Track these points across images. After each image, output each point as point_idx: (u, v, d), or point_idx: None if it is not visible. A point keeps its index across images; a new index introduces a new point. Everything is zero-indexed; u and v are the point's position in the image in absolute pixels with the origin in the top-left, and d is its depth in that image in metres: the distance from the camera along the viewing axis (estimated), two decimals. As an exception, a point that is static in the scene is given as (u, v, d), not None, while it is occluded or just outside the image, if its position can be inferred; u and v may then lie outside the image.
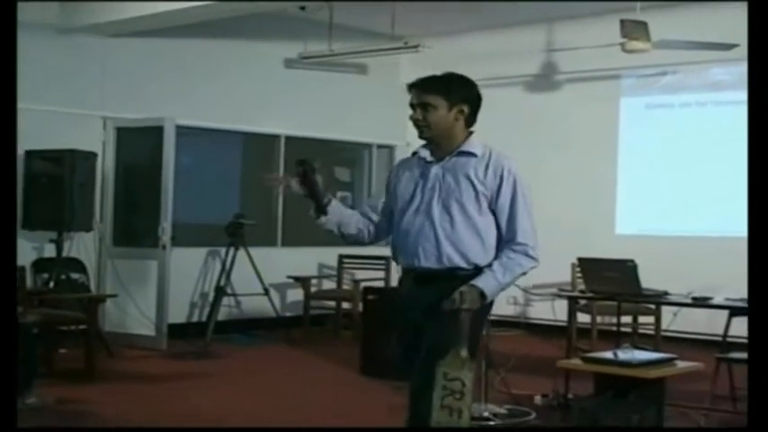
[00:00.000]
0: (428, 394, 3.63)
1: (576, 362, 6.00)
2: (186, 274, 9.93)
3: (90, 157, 8.93)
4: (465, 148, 3.88)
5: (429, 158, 3.91)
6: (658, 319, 8.63)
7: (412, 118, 3.90)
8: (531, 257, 3.84)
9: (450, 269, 3.79)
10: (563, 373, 6.35)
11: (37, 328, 7.33)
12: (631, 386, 5.38)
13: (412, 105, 3.91)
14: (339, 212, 4.00)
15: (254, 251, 9.83)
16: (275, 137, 10.95)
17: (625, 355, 5.67)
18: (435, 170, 3.87)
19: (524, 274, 3.88)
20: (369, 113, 11.52)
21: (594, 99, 10.76)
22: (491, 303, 3.85)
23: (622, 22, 8.55)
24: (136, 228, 9.63)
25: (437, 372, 3.62)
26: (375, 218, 4.06)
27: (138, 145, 9.57)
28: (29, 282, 8.51)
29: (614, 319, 7.56)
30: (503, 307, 10.22)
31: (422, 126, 3.88)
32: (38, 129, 8.81)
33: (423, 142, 3.99)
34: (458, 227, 3.79)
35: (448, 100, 3.85)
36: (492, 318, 7.04)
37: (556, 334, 9.02)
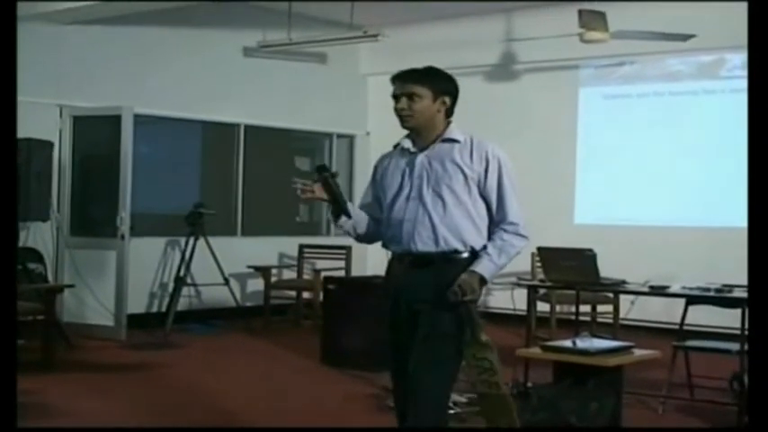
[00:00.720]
0: (429, 372, 3.82)
1: (535, 350, 6.03)
2: (145, 264, 9.88)
3: (46, 146, 8.84)
4: (447, 135, 4.00)
5: (413, 149, 4.02)
6: (616, 308, 8.70)
7: (396, 108, 3.99)
8: (523, 236, 3.98)
9: (446, 252, 3.90)
10: (522, 361, 6.39)
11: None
12: (590, 374, 5.42)
13: (395, 96, 4.00)
14: (355, 214, 4.12)
15: (213, 241, 9.79)
16: (235, 125, 10.90)
17: (584, 343, 5.71)
18: (421, 158, 3.98)
19: (518, 253, 4.00)
20: (329, 103, 11.51)
21: (553, 89, 10.82)
22: None
23: (580, 12, 8.60)
24: (94, 217, 9.54)
25: (466, 355, 3.88)
26: (378, 214, 4.15)
27: (96, 134, 9.48)
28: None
29: (573, 308, 7.61)
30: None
31: (406, 116, 3.98)
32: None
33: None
34: (450, 210, 3.90)
35: (432, 91, 3.98)
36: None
37: (515, 323, 9.06)
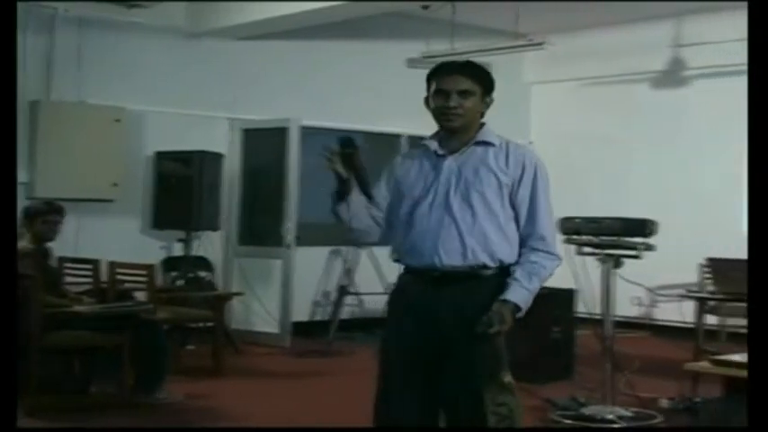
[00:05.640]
0: (477, 419, 3.46)
1: (704, 364, 5.84)
2: (310, 273, 10.04)
3: (217, 157, 9.12)
4: (482, 137, 3.61)
5: (440, 151, 3.62)
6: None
7: (446, 105, 3.55)
8: (554, 256, 3.58)
9: (473, 267, 3.50)
10: (690, 376, 6.21)
11: (166, 325, 7.52)
12: (762, 390, 5.22)
13: (443, 91, 3.57)
14: (355, 206, 3.72)
15: (376, 250, 9.86)
16: (398, 136, 10.98)
17: (756, 358, 5.51)
18: (449, 162, 3.58)
19: (551, 275, 3.60)
20: (492, 112, 11.34)
21: (723, 95, 10.47)
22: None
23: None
24: (261, 227, 9.78)
25: (485, 398, 3.45)
26: (382, 215, 3.76)
27: (264, 145, 9.71)
28: (158, 280, 8.72)
29: (744, 321, 7.34)
30: (627, 308, 10.04)
31: (455, 114, 3.56)
32: (167, 130, 9.08)
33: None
34: (480, 219, 3.49)
35: (482, 88, 3.61)
36: (616, 319, 6.96)
37: (683, 336, 8.81)
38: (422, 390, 3.57)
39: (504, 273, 3.52)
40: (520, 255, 3.55)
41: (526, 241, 3.56)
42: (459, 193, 3.52)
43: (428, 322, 3.53)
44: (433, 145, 3.65)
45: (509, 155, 3.57)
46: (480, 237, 3.49)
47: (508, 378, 3.50)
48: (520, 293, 3.47)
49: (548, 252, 3.56)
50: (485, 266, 3.51)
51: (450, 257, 3.49)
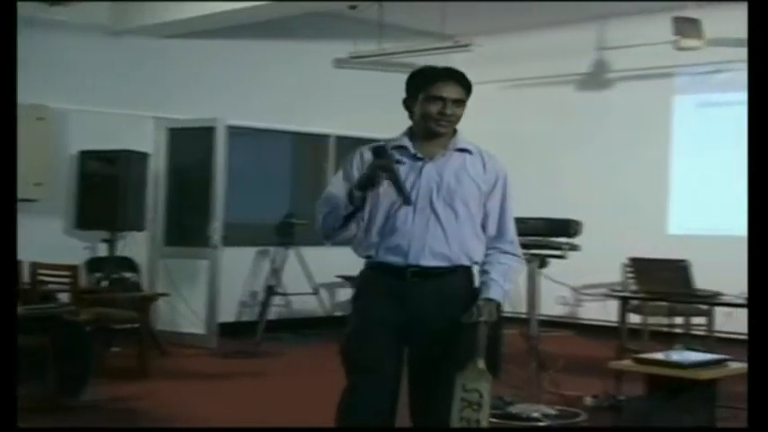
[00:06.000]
0: (446, 401, 3.59)
1: (627, 363, 5.94)
2: (237, 273, 10.00)
3: (143, 157, 9.03)
4: (461, 145, 3.75)
5: (419, 154, 3.72)
6: (711, 320, 8.52)
7: (441, 112, 3.65)
8: (522, 258, 3.87)
9: (453, 266, 3.69)
10: (613, 374, 6.30)
11: (90, 326, 7.42)
12: (683, 387, 5.31)
13: (439, 98, 3.66)
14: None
15: (304, 250, 9.87)
16: (326, 136, 10.99)
17: (677, 356, 5.61)
18: (430, 167, 3.69)
19: (519, 276, 3.90)
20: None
21: (647, 97, 10.66)
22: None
23: (674, 19, 8.47)
24: (187, 227, 9.70)
25: (456, 383, 3.58)
26: (337, 209, 3.76)
27: (190, 145, 9.65)
28: (82, 281, 8.61)
29: (666, 320, 7.48)
30: (552, 307, 10.16)
31: (448, 122, 3.69)
32: (91, 129, 8.95)
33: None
34: (462, 224, 3.69)
35: (467, 96, 3.74)
36: (542, 318, 7.04)
37: (606, 334, 8.94)
38: (394, 373, 3.76)
39: (469, 268, 3.76)
40: (487, 254, 3.77)
41: (496, 244, 3.78)
42: (443, 197, 3.67)
43: (407, 311, 3.68)
44: (407, 143, 3.76)
45: (485, 164, 3.75)
46: (461, 240, 3.70)
47: (482, 364, 3.62)
48: (499, 292, 3.71)
49: (516, 255, 3.81)
50: (461, 265, 3.72)
51: (435, 259, 3.67)
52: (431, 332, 3.66)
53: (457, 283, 3.72)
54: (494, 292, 3.68)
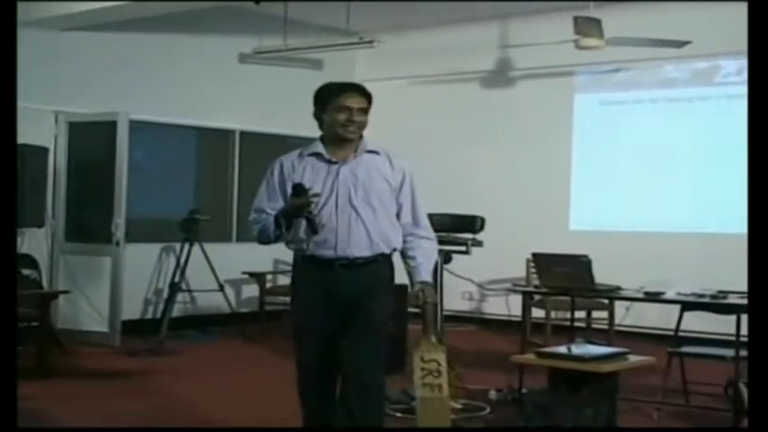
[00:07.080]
0: (371, 364, 4.26)
1: (529, 356, 6.03)
2: (140, 270, 9.87)
3: (41, 151, 8.84)
4: (369, 147, 4.35)
5: (334, 159, 4.29)
6: (612, 314, 8.70)
7: (349, 119, 4.24)
8: (434, 240, 4.50)
9: (376, 255, 4.29)
10: (517, 368, 6.39)
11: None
12: (585, 380, 5.42)
13: (346, 108, 4.24)
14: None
15: (208, 247, 9.78)
16: (230, 132, 10.91)
17: (578, 349, 5.71)
18: (345, 169, 4.27)
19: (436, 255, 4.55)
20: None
21: (548, 95, 10.83)
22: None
23: (576, 18, 8.61)
24: (89, 223, 9.54)
25: (414, 357, 4.34)
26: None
27: (91, 140, 9.48)
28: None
29: (568, 314, 7.61)
30: (458, 302, 10.26)
31: (356, 128, 4.27)
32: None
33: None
34: (380, 218, 4.28)
35: (370, 105, 4.33)
36: (447, 313, 7.09)
37: (510, 329, 9.06)
38: (338, 339, 4.27)
39: (391, 253, 4.39)
40: (407, 241, 4.40)
41: (413, 231, 4.41)
42: (360, 196, 4.25)
43: (340, 297, 4.27)
44: (320, 149, 4.33)
45: (392, 163, 4.36)
46: (381, 231, 4.29)
47: (434, 339, 4.45)
48: (429, 273, 4.40)
49: (430, 238, 4.46)
50: (382, 253, 4.32)
51: (360, 250, 4.26)
52: (359, 310, 4.25)
53: (378, 269, 4.32)
54: (425, 275, 4.36)
